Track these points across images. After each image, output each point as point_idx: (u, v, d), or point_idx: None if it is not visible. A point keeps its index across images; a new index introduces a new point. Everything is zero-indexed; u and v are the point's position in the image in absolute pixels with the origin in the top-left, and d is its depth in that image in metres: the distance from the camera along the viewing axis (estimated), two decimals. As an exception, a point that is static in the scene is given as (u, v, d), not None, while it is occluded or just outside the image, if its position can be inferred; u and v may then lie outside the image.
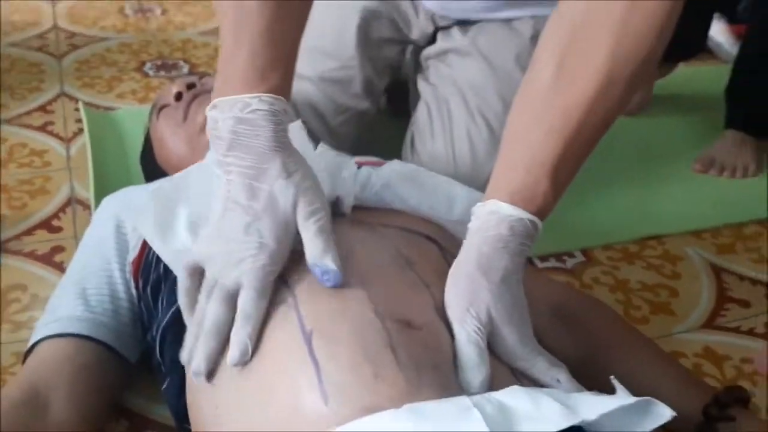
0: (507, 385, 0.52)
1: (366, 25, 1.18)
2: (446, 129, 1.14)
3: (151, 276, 0.75)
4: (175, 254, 0.68)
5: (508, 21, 1.14)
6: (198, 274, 0.62)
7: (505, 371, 0.59)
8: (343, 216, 0.70)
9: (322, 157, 0.75)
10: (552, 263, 1.11)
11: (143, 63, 1.69)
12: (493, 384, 0.55)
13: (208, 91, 0.96)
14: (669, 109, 1.62)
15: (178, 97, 0.98)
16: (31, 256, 1.03)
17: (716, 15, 1.80)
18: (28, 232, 1.08)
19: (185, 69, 1.67)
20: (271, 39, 0.65)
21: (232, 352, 0.56)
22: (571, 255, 1.13)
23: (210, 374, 0.57)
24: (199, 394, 0.60)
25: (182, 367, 0.63)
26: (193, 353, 0.58)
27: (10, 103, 1.46)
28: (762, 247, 1.19)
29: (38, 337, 0.74)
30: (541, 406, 0.49)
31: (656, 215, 1.25)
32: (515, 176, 0.64)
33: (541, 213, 0.64)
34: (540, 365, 0.60)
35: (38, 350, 0.74)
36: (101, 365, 0.74)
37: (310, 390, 0.51)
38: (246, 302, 0.57)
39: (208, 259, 0.61)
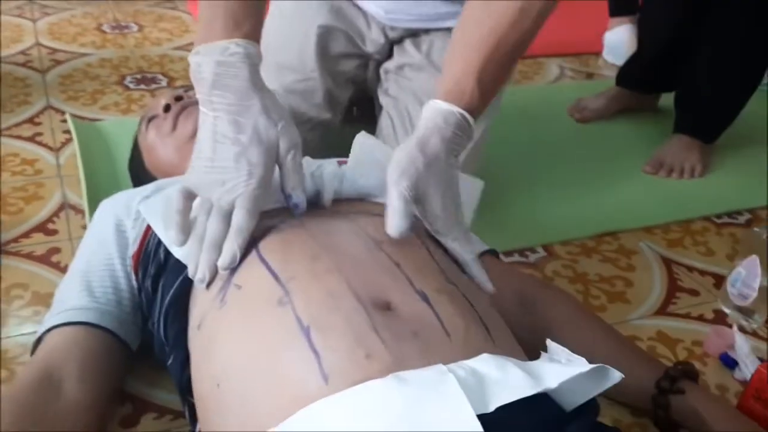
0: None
1: (323, 40, 1.27)
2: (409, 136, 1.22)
3: (150, 267, 0.83)
4: None
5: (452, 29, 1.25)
6: (190, 199, 0.74)
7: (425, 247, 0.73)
8: (324, 208, 0.80)
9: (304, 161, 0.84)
10: (516, 258, 1.20)
11: (124, 77, 1.77)
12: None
13: (194, 103, 1.04)
14: (624, 117, 1.76)
15: (167, 108, 1.05)
16: (30, 257, 1.10)
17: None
18: (26, 235, 1.15)
19: (164, 82, 1.75)
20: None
21: (224, 258, 0.68)
22: (533, 250, 1.23)
23: (210, 282, 0.69)
24: (202, 369, 0.68)
25: (185, 343, 0.72)
26: (198, 264, 0.69)
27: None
28: (708, 241, 1.30)
29: (48, 326, 0.81)
30: (509, 373, 0.56)
31: (611, 213, 1.35)
32: (449, 81, 0.81)
33: (469, 108, 0.79)
34: (453, 233, 0.74)
35: (49, 338, 0.81)
36: (107, 351, 0.82)
37: (312, 374, 0.58)
38: (239, 219, 0.69)
39: (202, 185, 0.73)
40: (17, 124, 1.50)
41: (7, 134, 1.46)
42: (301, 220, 0.75)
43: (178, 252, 0.76)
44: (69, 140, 1.44)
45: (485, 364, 0.57)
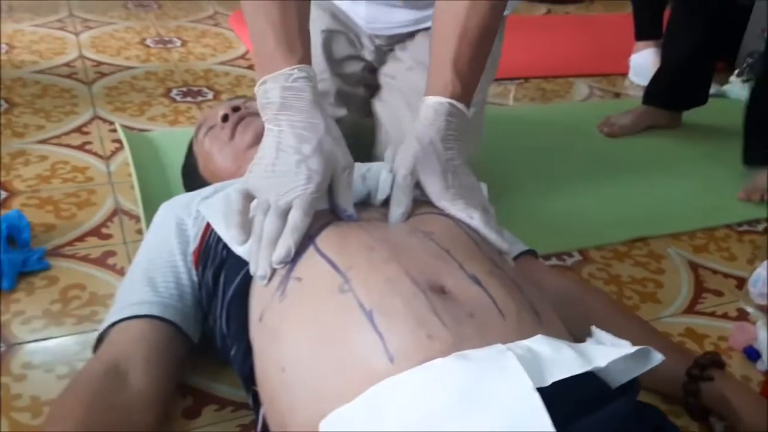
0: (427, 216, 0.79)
1: (328, 44, 1.34)
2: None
3: (210, 262, 0.84)
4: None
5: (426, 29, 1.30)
6: (249, 200, 0.79)
7: (429, 209, 0.82)
8: (374, 206, 0.84)
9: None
10: (554, 261, 1.25)
11: (170, 89, 1.79)
12: (421, 216, 0.80)
13: (252, 114, 1.06)
14: (650, 133, 1.82)
15: (225, 118, 1.07)
16: (85, 259, 1.11)
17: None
18: (80, 239, 1.16)
19: (210, 95, 1.77)
20: (289, 20, 0.84)
21: (278, 252, 0.72)
22: (570, 254, 1.28)
23: (270, 278, 0.72)
24: (265, 358, 0.69)
25: (247, 334, 0.74)
26: (258, 262, 0.73)
27: (47, 125, 1.54)
28: (731, 246, 1.35)
29: (114, 320, 0.82)
30: (562, 353, 0.60)
31: (641, 220, 1.40)
32: (431, 77, 0.91)
33: (454, 96, 0.89)
34: (458, 206, 0.81)
35: (114, 332, 0.82)
36: (170, 343, 0.83)
37: (378, 356, 0.60)
38: (295, 218, 0.73)
39: (262, 188, 0.77)
40: (66, 133, 1.52)
41: (55, 143, 1.48)
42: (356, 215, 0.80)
43: (238, 249, 0.78)
44: (118, 149, 1.45)
45: (540, 344, 0.61)
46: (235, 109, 1.08)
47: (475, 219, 0.81)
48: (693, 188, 1.57)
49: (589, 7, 3.16)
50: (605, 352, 0.61)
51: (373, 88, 1.38)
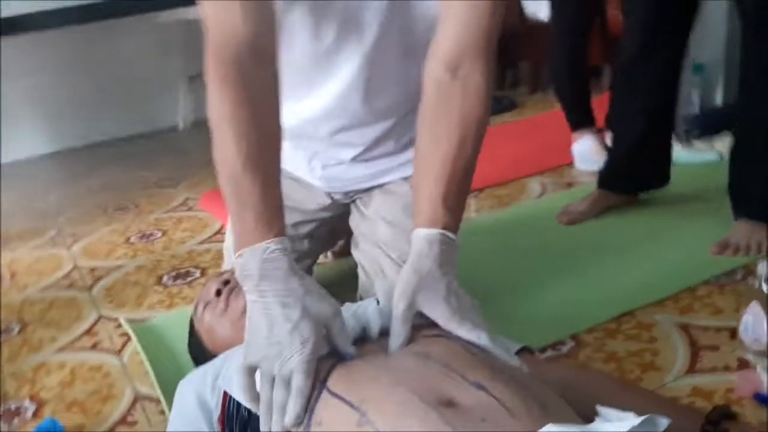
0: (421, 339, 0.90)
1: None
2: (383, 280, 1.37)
3: (235, 425, 0.97)
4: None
5: (385, 185, 1.47)
6: (252, 373, 0.89)
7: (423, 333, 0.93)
8: (370, 341, 0.96)
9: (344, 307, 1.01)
10: (550, 353, 1.34)
11: (161, 277, 1.97)
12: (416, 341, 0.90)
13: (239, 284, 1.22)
14: (609, 214, 1.95)
15: (218, 293, 1.23)
16: (118, 448, 1.24)
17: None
18: (109, 431, 1.29)
19: (197, 273, 1.94)
20: (266, 199, 0.98)
21: (288, 418, 0.82)
22: (563, 343, 1.37)
23: None
24: None
25: None
26: (272, 426, 0.84)
27: (58, 336, 1.70)
28: (715, 301, 1.44)
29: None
30: None
31: (622, 296, 1.49)
32: (422, 210, 1.03)
33: (445, 226, 1.01)
34: (466, 327, 0.92)
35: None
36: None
37: None
38: (299, 383, 0.84)
39: (263, 359, 0.88)
40: (77, 338, 1.67)
41: (70, 349, 1.63)
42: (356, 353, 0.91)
43: (256, 409, 0.90)
44: (126, 342, 1.61)
45: (563, 427, 0.68)
46: (226, 282, 1.24)
47: (482, 339, 0.91)
48: (664, 255, 1.66)
49: (522, 111, 3.41)
50: (614, 427, 0.68)
51: (333, 228, 1.56)
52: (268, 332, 0.89)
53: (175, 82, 4.02)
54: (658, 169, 1.92)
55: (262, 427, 0.86)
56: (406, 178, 1.43)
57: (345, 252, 1.72)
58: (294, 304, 0.90)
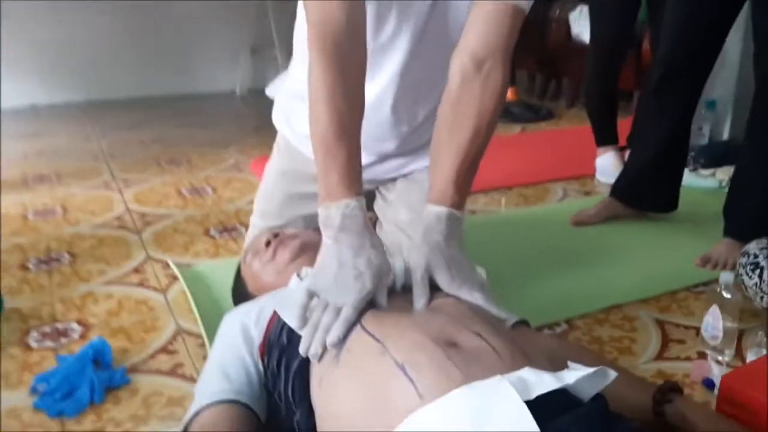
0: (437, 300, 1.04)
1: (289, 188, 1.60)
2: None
3: (274, 351, 1.04)
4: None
5: (410, 174, 1.58)
6: (311, 297, 1.02)
7: (438, 294, 1.06)
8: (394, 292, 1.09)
9: None
10: (545, 332, 1.47)
11: (208, 229, 2.05)
12: (434, 299, 1.04)
13: (288, 237, 1.30)
14: (615, 222, 2.09)
15: (268, 243, 1.31)
16: (159, 372, 1.31)
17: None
18: (152, 357, 1.37)
19: (243, 230, 2.02)
20: (350, 162, 1.12)
21: (332, 336, 0.94)
22: (558, 325, 1.50)
23: (321, 357, 0.95)
24: (325, 412, 0.92)
25: (308, 399, 0.96)
26: (311, 343, 0.96)
27: (107, 270, 1.79)
28: (690, 305, 1.60)
29: (199, 407, 1.02)
30: (542, 377, 0.80)
31: (615, 291, 1.64)
32: (435, 189, 1.17)
33: (453, 205, 1.15)
34: (463, 291, 1.06)
35: (198, 418, 1.01)
36: (245, 422, 1.01)
37: (411, 395, 0.82)
38: (347, 314, 0.96)
39: (325, 290, 1.02)
40: (125, 275, 1.76)
41: (118, 283, 1.71)
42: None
43: (303, 331, 1.00)
44: (171, 283, 1.69)
45: (527, 373, 0.81)
46: (275, 235, 1.32)
47: (477, 298, 1.06)
48: (654, 261, 1.81)
49: (558, 122, 3.55)
50: (574, 374, 0.81)
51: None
52: (337, 271, 1.03)
53: (238, 51, 4.13)
54: (667, 195, 2.05)
55: (302, 346, 0.97)
56: (426, 167, 1.50)
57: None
58: (362, 255, 1.04)
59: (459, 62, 1.23)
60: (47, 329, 1.48)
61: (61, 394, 1.23)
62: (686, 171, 2.38)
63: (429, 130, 1.39)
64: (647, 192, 2.05)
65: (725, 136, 2.87)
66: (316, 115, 1.14)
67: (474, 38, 1.22)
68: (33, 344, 1.43)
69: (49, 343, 1.43)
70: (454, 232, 1.14)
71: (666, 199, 2.06)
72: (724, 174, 2.38)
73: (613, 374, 0.84)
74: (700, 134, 2.80)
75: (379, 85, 1.42)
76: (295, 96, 1.53)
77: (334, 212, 1.08)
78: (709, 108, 2.78)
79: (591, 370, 0.82)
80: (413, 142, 1.55)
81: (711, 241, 1.83)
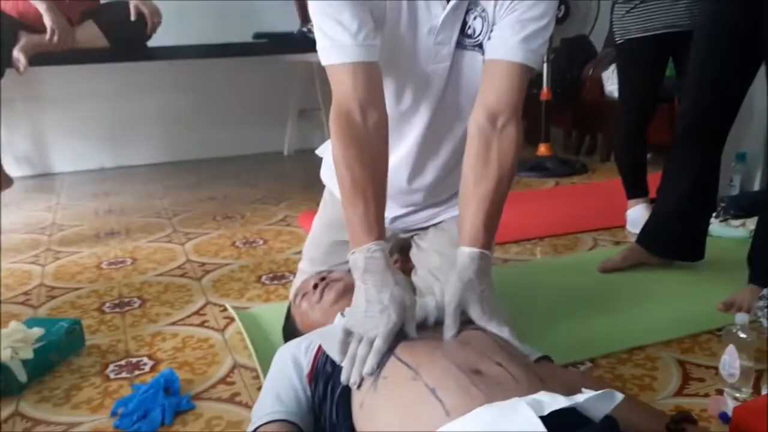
0: (465, 332, 1.16)
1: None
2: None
3: (320, 378, 1.20)
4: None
5: (440, 224, 1.72)
6: (348, 333, 1.16)
7: (467, 327, 1.18)
8: (429, 326, 1.22)
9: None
10: (569, 368, 1.54)
11: (260, 277, 2.23)
12: (463, 333, 1.16)
13: (333, 280, 1.46)
14: (640, 269, 2.16)
15: (315, 286, 1.47)
16: (219, 400, 1.48)
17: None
18: (213, 386, 1.53)
19: (291, 278, 2.19)
20: (369, 213, 1.26)
21: (368, 366, 1.08)
22: (582, 363, 1.58)
23: (360, 384, 1.08)
24: (364, 429, 1.06)
25: (350, 420, 1.10)
26: (351, 374, 1.10)
27: (173, 312, 1.98)
28: (713, 347, 1.64)
29: (255, 426, 1.18)
30: (556, 398, 0.91)
31: (640, 333, 1.71)
32: (466, 232, 1.30)
33: (484, 246, 1.29)
34: (492, 324, 1.19)
35: (257, 433, 1.17)
36: (295, 439, 1.18)
37: (439, 413, 0.95)
38: (379, 345, 1.11)
39: (358, 326, 1.16)
40: (188, 316, 1.94)
41: (182, 324, 1.90)
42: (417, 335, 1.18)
43: (341, 363, 1.15)
44: (228, 324, 1.86)
45: (542, 395, 0.91)
46: (322, 278, 1.49)
47: (505, 332, 1.18)
48: (679, 305, 1.86)
49: (591, 176, 3.64)
50: (584, 395, 0.91)
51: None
52: (366, 308, 1.17)
53: (286, 114, 4.39)
54: (692, 244, 2.08)
55: (343, 376, 1.11)
56: (454, 217, 1.66)
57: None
58: (386, 291, 1.18)
59: (475, 119, 1.37)
60: (123, 363, 1.67)
61: (138, 416, 1.40)
62: (717, 221, 2.47)
63: (454, 182, 1.54)
64: (672, 240, 2.09)
65: (756, 186, 2.88)
66: (338, 176, 1.32)
67: (487, 95, 1.37)
68: (111, 375, 1.61)
69: (124, 375, 1.61)
70: (485, 270, 1.27)
71: (691, 248, 2.09)
72: (754, 224, 2.30)
73: (619, 396, 0.92)
74: (731, 186, 2.82)
75: (405, 147, 1.58)
76: None
77: (359, 256, 1.23)
78: (739, 160, 2.81)
79: (598, 392, 0.91)
80: (439, 194, 1.70)
81: (736, 288, 1.86)
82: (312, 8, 1.36)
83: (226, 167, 4.16)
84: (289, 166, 4.25)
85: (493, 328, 1.18)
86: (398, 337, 1.15)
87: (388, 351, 1.11)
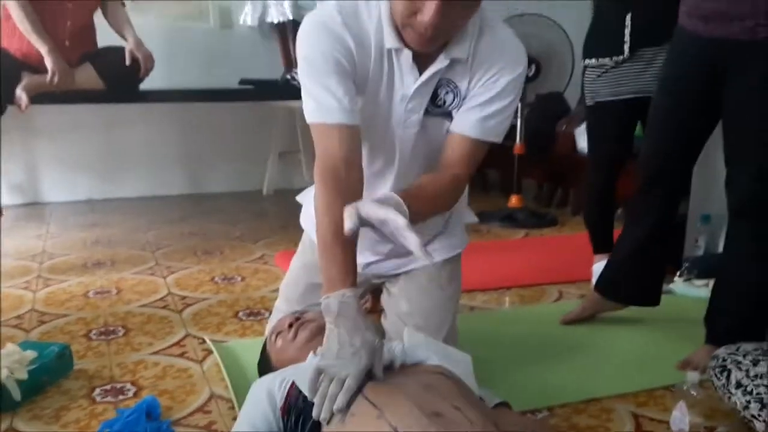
0: (428, 375, 1.28)
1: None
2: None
3: (292, 412, 1.33)
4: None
5: (411, 272, 1.81)
6: (319, 374, 1.24)
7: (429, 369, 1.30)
8: (395, 369, 1.34)
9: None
10: (527, 415, 1.66)
11: (237, 312, 2.36)
12: (426, 376, 1.25)
13: (307, 320, 1.60)
14: (599, 320, 2.27)
15: (290, 325, 1.61)
16: (197, 427, 1.61)
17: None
18: (191, 414, 1.66)
19: (267, 315, 2.32)
20: (345, 261, 1.37)
21: (338, 404, 1.18)
22: (539, 410, 1.68)
23: (329, 420, 1.19)
24: None
25: None
26: (322, 410, 1.20)
27: (154, 342, 2.10)
28: (667, 402, 1.72)
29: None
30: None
31: (597, 384, 1.81)
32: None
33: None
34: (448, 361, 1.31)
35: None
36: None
37: None
38: (350, 385, 1.20)
39: (330, 367, 1.24)
40: (169, 347, 2.07)
41: (163, 353, 2.02)
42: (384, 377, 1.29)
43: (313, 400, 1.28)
44: (206, 356, 1.99)
45: None
46: (297, 318, 1.62)
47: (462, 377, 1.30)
48: (638, 360, 1.96)
49: (561, 229, 3.77)
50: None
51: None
52: (338, 351, 1.27)
53: (267, 155, 4.55)
54: (648, 289, 2.15)
55: (315, 411, 1.23)
56: (424, 266, 1.79)
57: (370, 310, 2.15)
58: (358, 335, 1.27)
59: (437, 166, 1.55)
60: (108, 387, 1.79)
61: (122, 437, 1.53)
62: (680, 280, 2.57)
63: (422, 233, 1.70)
64: (627, 285, 2.15)
65: (720, 248, 2.84)
66: (318, 223, 1.44)
67: (450, 157, 1.54)
68: (97, 398, 1.73)
69: (109, 398, 1.74)
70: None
71: (646, 294, 2.14)
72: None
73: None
74: (696, 246, 2.88)
75: None
76: None
77: (333, 301, 1.32)
78: (704, 221, 2.88)
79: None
80: (423, 235, 1.81)
81: (696, 346, 1.94)
82: (302, 70, 1.49)
83: (208, 203, 4.30)
84: (268, 205, 4.40)
85: (450, 364, 1.30)
86: (366, 377, 1.26)
87: (357, 390, 1.23)
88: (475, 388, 1.30)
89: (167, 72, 3.75)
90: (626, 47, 2.41)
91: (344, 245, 1.40)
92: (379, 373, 1.28)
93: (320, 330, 1.52)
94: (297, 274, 1.94)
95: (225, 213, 4.03)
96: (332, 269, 1.38)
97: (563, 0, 4.31)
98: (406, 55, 1.49)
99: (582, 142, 3.97)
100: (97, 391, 1.77)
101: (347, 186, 1.46)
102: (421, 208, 1.39)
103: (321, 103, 1.47)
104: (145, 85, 3.48)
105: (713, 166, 2.09)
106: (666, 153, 2.01)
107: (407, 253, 1.83)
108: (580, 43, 2.61)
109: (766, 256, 1.86)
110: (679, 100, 1.95)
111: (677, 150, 2.01)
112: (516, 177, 4.00)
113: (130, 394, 1.77)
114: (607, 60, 2.46)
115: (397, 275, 1.87)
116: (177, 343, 2.10)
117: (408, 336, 1.46)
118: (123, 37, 3.39)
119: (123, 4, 3.48)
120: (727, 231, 1.94)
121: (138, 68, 3.33)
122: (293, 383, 1.37)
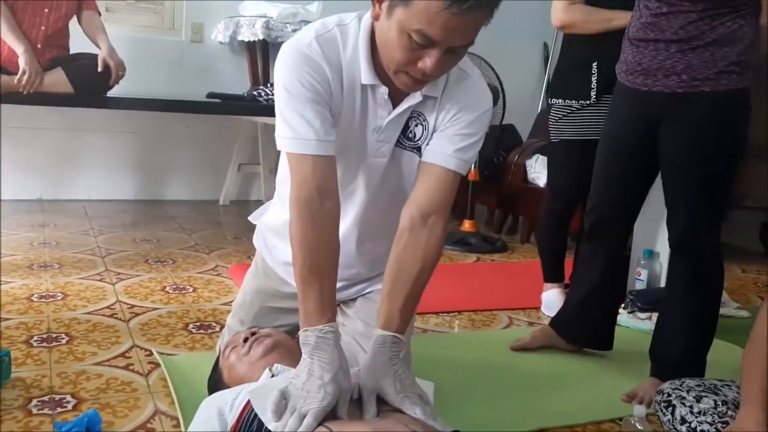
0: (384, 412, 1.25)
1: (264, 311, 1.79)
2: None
3: None
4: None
5: (368, 294, 1.74)
6: (283, 398, 1.20)
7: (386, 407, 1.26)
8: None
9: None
10: None
11: (187, 324, 2.23)
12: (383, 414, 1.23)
13: (263, 335, 1.51)
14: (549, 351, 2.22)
15: (246, 340, 1.51)
16: (139, 444, 1.49)
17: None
18: (133, 431, 1.53)
19: (217, 328, 2.21)
20: (323, 294, 1.32)
21: None
22: None
23: None
24: None
25: None
26: None
27: (99, 352, 1.96)
28: None
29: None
30: None
31: (545, 415, 1.76)
32: (383, 316, 1.38)
33: (398, 331, 1.37)
34: (406, 405, 1.25)
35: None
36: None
37: None
38: (309, 421, 1.17)
39: (294, 396, 1.22)
40: (114, 358, 1.93)
41: (107, 364, 1.88)
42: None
43: (270, 426, 1.19)
44: (152, 369, 1.86)
45: None
46: (253, 333, 1.53)
47: (418, 413, 1.24)
48: (584, 392, 1.92)
49: (511, 255, 3.75)
50: None
51: None
52: (305, 380, 1.23)
53: (226, 165, 4.42)
54: (601, 334, 2.16)
55: None
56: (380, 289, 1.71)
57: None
58: (329, 371, 1.24)
59: (408, 213, 1.45)
60: (46, 398, 1.65)
61: (59, 454, 1.39)
62: (625, 313, 2.56)
63: (378, 265, 1.62)
64: (582, 329, 2.16)
65: (662, 283, 2.90)
66: (294, 256, 1.36)
67: (421, 194, 1.45)
68: (34, 410, 1.59)
69: (47, 411, 1.59)
70: (397, 353, 1.34)
71: (599, 338, 2.16)
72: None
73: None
74: (639, 280, 2.90)
75: (345, 225, 1.64)
76: (273, 231, 1.74)
77: (311, 334, 1.29)
78: (647, 256, 2.91)
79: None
80: (376, 269, 1.74)
81: (641, 378, 1.93)
82: (280, 98, 1.41)
83: (163, 210, 4.14)
84: (224, 215, 4.26)
85: (407, 408, 1.25)
86: (330, 413, 1.21)
87: (316, 425, 1.17)
88: (430, 419, 1.24)
89: (136, 81, 3.62)
90: (593, 93, 2.43)
91: (322, 279, 1.34)
92: (342, 414, 1.23)
93: (276, 346, 1.45)
94: (251, 298, 1.83)
95: (180, 221, 3.88)
96: (310, 304, 1.33)
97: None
98: (383, 90, 1.45)
99: (532, 173, 4.04)
100: (35, 402, 1.63)
101: (321, 216, 1.38)
102: (417, 302, 1.45)
103: (298, 132, 1.38)
104: (114, 92, 3.36)
105: (656, 205, 2.11)
106: (610, 202, 2.04)
107: (370, 278, 1.78)
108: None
109: (703, 290, 1.91)
110: (619, 152, 1.99)
111: (620, 199, 2.03)
112: (470, 202, 4.00)
113: (70, 406, 1.63)
114: (573, 102, 2.48)
115: (355, 299, 1.80)
116: (122, 354, 1.96)
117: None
118: (96, 44, 3.31)
119: (99, 13, 3.41)
120: (668, 266, 1.96)
121: (109, 75, 3.24)
122: (248, 403, 1.27)
